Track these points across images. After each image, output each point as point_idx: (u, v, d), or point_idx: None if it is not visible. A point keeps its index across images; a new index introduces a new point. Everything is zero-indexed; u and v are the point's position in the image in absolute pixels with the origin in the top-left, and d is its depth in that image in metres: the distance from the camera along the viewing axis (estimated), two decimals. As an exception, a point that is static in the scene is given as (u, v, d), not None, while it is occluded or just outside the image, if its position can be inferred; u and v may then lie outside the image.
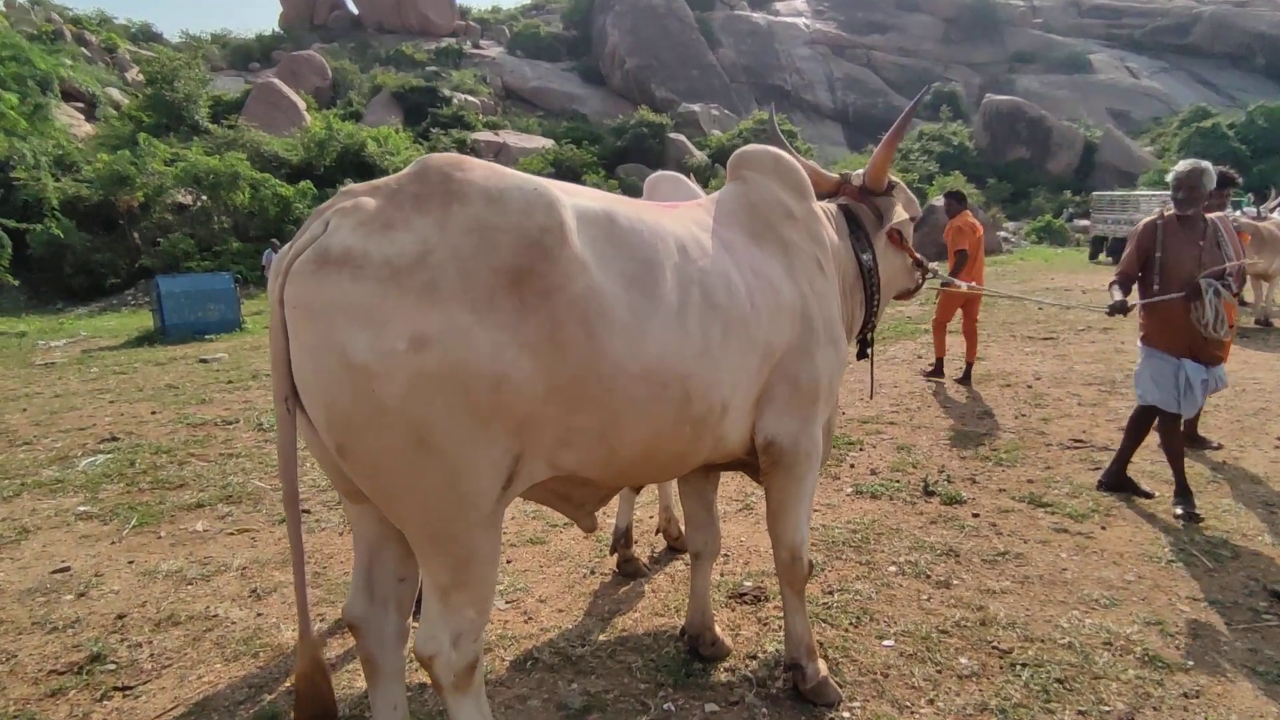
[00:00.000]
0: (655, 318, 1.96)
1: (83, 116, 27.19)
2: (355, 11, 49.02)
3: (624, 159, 33.95)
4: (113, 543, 4.15)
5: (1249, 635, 2.99)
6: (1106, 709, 2.55)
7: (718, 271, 2.18)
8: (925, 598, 3.31)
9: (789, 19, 52.66)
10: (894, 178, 3.09)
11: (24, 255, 18.19)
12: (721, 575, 3.60)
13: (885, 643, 2.97)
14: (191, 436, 6.30)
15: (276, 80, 33.09)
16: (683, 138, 35.95)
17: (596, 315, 1.83)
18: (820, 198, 2.88)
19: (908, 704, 2.61)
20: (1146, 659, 2.82)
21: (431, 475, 1.69)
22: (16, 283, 17.93)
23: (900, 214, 2.94)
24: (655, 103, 40.35)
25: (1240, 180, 6.43)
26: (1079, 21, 56.70)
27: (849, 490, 4.63)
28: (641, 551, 3.90)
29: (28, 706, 2.70)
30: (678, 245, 2.12)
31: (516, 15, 56.11)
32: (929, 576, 3.49)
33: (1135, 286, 4.28)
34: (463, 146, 31.69)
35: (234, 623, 3.27)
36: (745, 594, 3.39)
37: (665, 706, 2.62)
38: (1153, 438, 4.48)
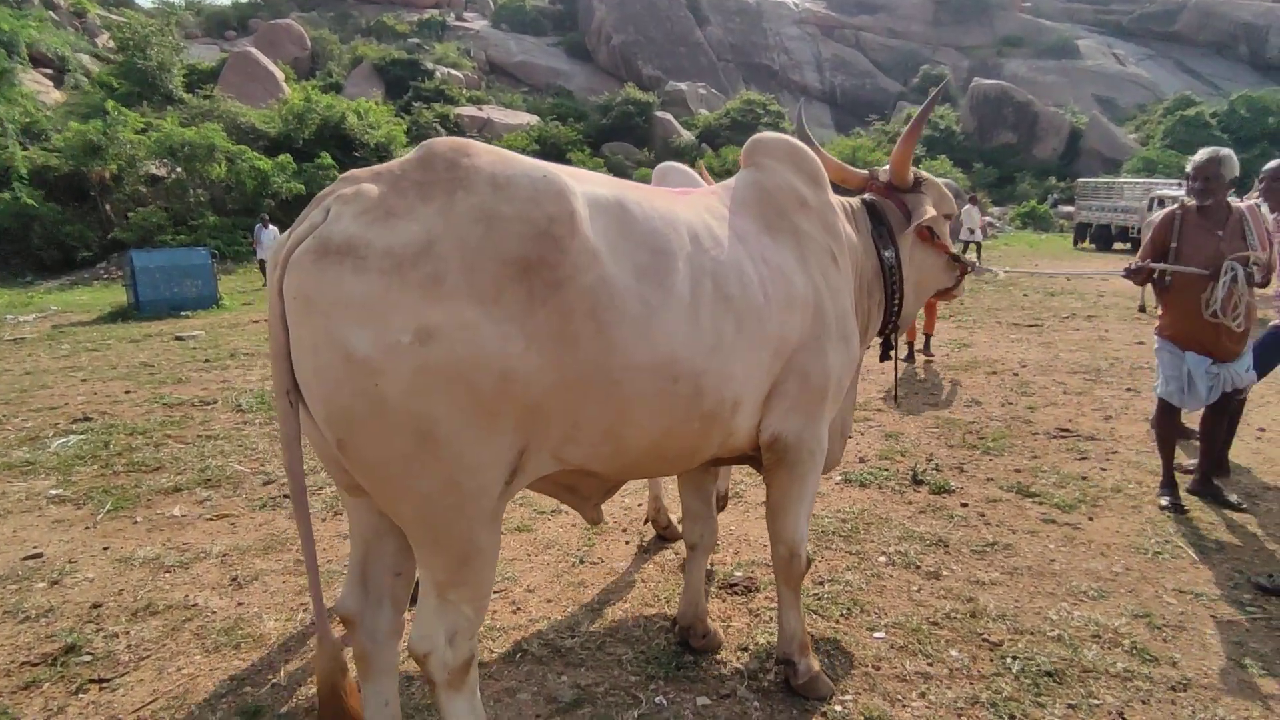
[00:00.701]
0: (667, 310, 1.90)
1: (51, 83, 26.42)
2: (335, -20, 47.88)
3: (610, 137, 33.64)
4: (87, 528, 4.04)
5: (1234, 628, 3.01)
6: (1096, 702, 2.55)
7: (731, 262, 2.11)
8: (915, 589, 3.31)
9: (778, -3, 52.22)
10: (924, 174, 3.01)
11: (-10, 226, 17.72)
12: (712, 566, 3.57)
13: (876, 634, 2.96)
14: (168, 417, 6.16)
15: (254, 49, 32.33)
16: (669, 116, 35.66)
17: (607, 308, 1.77)
18: (847, 193, 2.81)
19: (899, 697, 2.60)
20: (1135, 651, 2.83)
21: (434, 471, 1.64)
22: (-17, 254, 17.47)
23: (930, 211, 2.85)
24: (642, 80, 39.96)
25: None
26: (1068, 6, 56.81)
27: (838, 478, 4.61)
28: (630, 541, 3.86)
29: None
30: (690, 235, 2.05)
31: (501, -13, 55.11)
32: (919, 567, 3.49)
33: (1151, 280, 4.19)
34: (445, 121, 31.23)
35: (214, 612, 3.19)
36: (736, 585, 3.37)
37: (657, 700, 2.59)
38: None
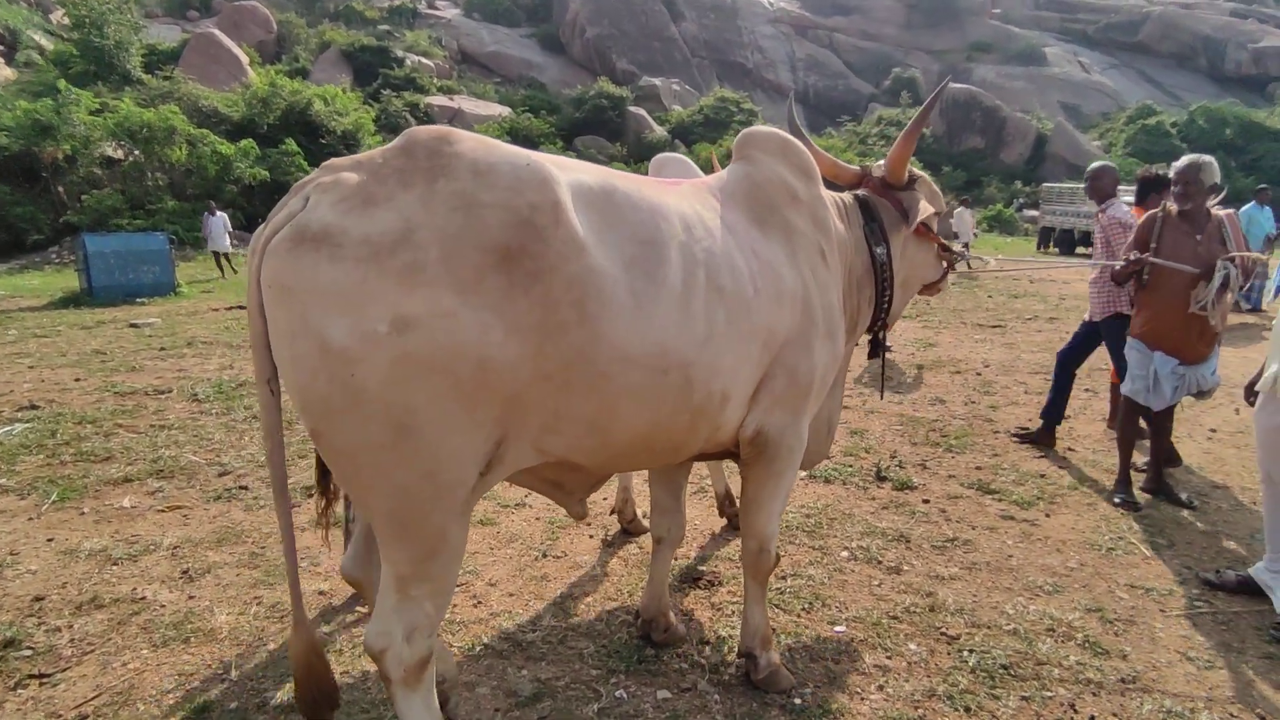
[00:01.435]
0: (657, 301, 1.88)
1: (1, 60, 25.42)
2: (304, -38, 46.82)
3: (583, 131, 33.48)
4: (30, 519, 3.89)
5: (1182, 622, 3.09)
6: (1049, 695, 2.60)
7: (723, 254, 2.10)
8: (876, 583, 3.34)
9: (752, -5, 52.38)
10: (916, 171, 3.01)
11: (-65, 206, 17.02)
12: (675, 559, 3.56)
13: (837, 628, 2.98)
14: (119, 406, 5.97)
15: (217, 31, 31.51)
16: (643, 112, 35.60)
17: (593, 298, 1.75)
18: (840, 189, 2.81)
19: (858, 690, 2.62)
20: (1087, 645, 2.89)
21: (409, 462, 1.62)
22: (-73, 235, 16.78)
23: (929, 208, 2.86)
24: (615, 74, 39.82)
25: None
26: (1036, 14, 57.92)
27: (803, 474, 4.64)
28: (595, 535, 3.84)
29: (-70, 697, 2.51)
30: (683, 225, 2.04)
31: (474, -24, 54.43)
32: (880, 562, 3.52)
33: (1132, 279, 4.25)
34: (415, 110, 30.80)
35: (163, 606, 3.09)
36: (700, 578, 3.36)
37: (617, 694, 2.57)
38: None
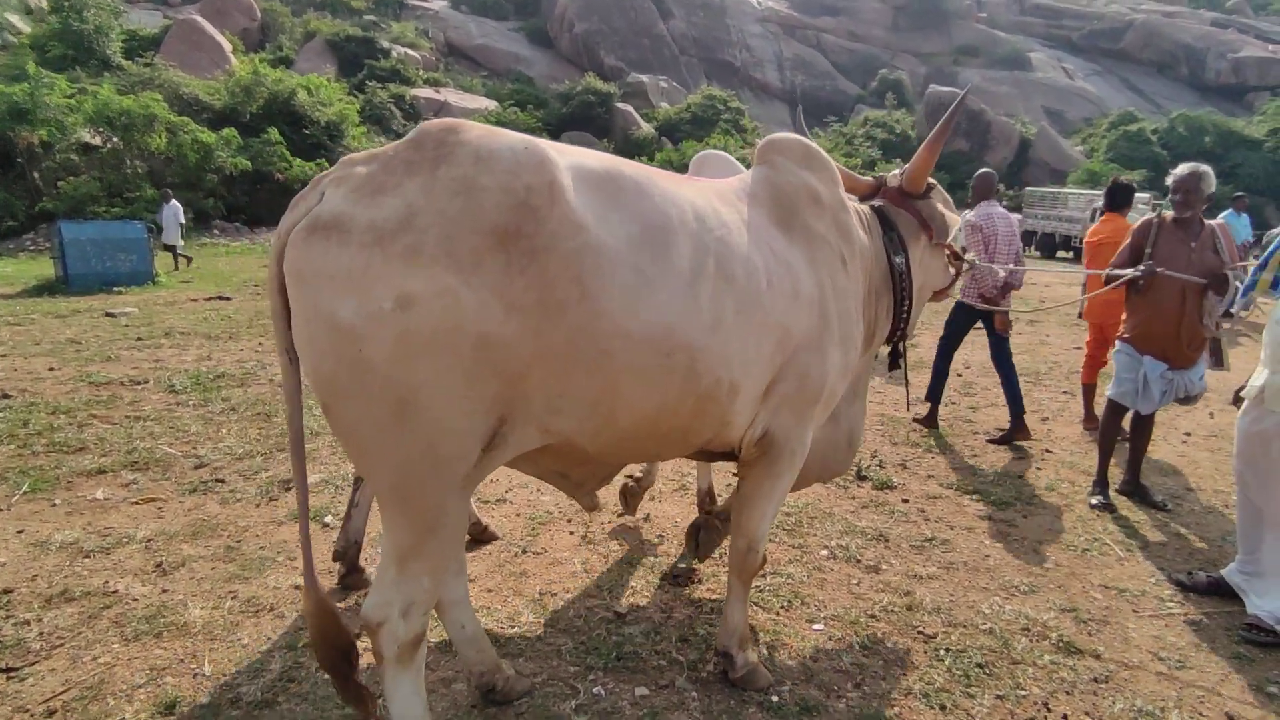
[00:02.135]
0: (662, 282, 1.91)
1: (-23, 42, 24.90)
2: (289, -50, 46.22)
3: (570, 126, 33.35)
4: (0, 510, 3.82)
5: (1154, 622, 3.14)
6: (1023, 693, 2.63)
7: (736, 245, 2.12)
8: (855, 582, 3.35)
9: (742, -6, 52.39)
10: (932, 180, 3.02)
11: (-94, 190, 16.64)
12: (657, 556, 3.56)
13: (815, 626, 3.00)
14: (94, 396, 5.87)
15: (199, 18, 31.00)
16: (630, 108, 35.51)
17: (593, 274, 1.78)
18: (854, 202, 2.82)
19: (835, 688, 2.63)
20: (1061, 645, 2.92)
21: (412, 434, 1.69)
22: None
23: (955, 219, 2.88)
24: (603, 70, 39.70)
25: (1141, 193, 6.68)
26: (1021, 19, 58.41)
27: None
28: (575, 531, 3.83)
29: (-108, 692, 2.45)
30: (695, 214, 2.07)
31: (463, -33, 54.00)
32: (859, 561, 3.54)
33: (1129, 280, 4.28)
34: (400, 102, 30.55)
35: (135, 599, 3.04)
36: (679, 576, 3.36)
37: (595, 690, 2.57)
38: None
